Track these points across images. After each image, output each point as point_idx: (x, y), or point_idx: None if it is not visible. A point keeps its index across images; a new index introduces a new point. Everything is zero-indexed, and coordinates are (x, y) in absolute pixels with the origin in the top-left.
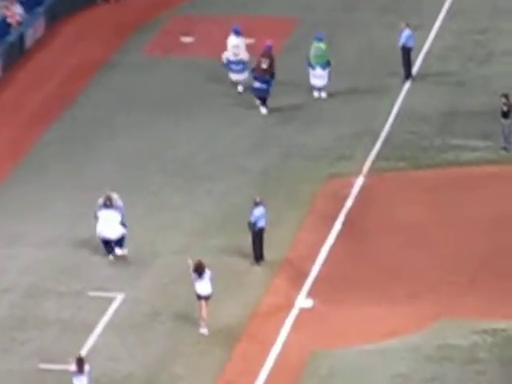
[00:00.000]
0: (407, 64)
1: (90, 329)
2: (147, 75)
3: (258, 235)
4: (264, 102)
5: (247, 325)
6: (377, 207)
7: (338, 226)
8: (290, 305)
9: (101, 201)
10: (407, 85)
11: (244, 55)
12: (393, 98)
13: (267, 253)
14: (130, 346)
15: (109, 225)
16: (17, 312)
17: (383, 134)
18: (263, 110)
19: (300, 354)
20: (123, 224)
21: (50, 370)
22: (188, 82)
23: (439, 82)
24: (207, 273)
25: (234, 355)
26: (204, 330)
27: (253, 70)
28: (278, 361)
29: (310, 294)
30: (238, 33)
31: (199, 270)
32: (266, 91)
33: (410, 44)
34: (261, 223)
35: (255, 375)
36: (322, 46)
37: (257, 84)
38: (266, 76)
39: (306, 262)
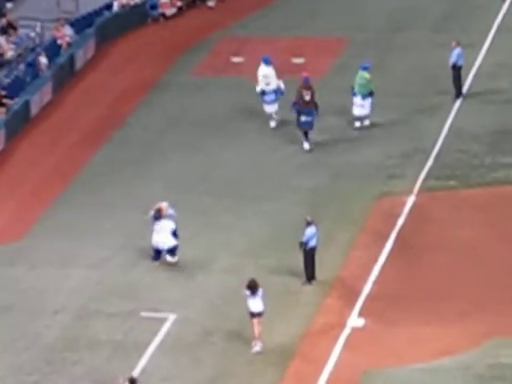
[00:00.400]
0: (458, 82)
1: (142, 349)
2: (197, 96)
3: (309, 254)
4: (307, 136)
5: (300, 344)
6: (428, 226)
7: (389, 244)
8: (342, 324)
9: (152, 213)
10: (457, 103)
11: (275, 83)
12: (443, 117)
13: (319, 272)
14: (182, 366)
15: (161, 235)
16: (68, 333)
17: (434, 153)
18: (306, 146)
19: (353, 373)
20: (175, 233)
21: None
22: (238, 102)
23: (489, 100)
24: (260, 290)
25: (286, 375)
26: (257, 349)
27: (295, 104)
28: (330, 380)
29: (361, 313)
30: (267, 62)
31: (253, 288)
32: (311, 124)
33: (461, 62)
34: (312, 243)
35: None
36: (366, 75)
37: (303, 118)
38: (311, 108)
39: (357, 281)
